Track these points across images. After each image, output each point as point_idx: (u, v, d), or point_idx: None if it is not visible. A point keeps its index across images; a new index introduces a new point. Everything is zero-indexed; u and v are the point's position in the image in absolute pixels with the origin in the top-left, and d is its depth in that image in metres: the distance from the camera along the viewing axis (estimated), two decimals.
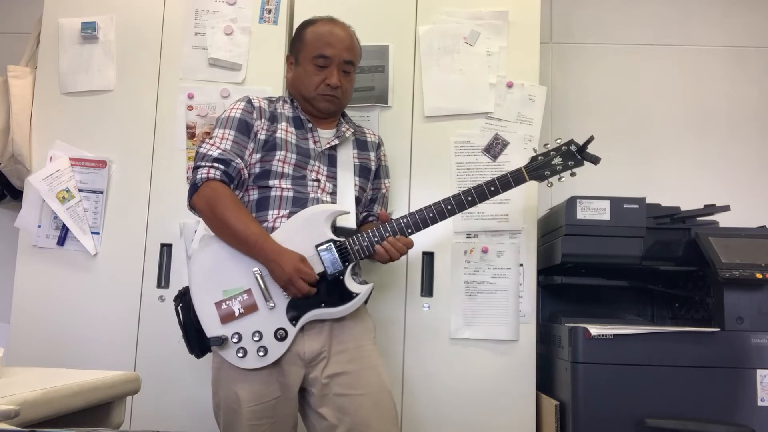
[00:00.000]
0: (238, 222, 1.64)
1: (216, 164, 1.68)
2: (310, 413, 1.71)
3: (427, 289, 2.21)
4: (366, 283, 1.73)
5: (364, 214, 1.89)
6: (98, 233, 2.25)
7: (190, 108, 2.27)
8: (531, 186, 2.22)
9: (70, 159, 2.27)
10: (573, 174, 1.79)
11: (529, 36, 2.29)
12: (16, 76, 2.33)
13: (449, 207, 1.72)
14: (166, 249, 2.23)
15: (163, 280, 2.23)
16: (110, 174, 2.28)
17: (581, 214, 2.18)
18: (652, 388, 1.99)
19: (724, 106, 2.88)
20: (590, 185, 2.76)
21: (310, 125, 1.81)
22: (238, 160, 1.71)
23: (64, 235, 2.25)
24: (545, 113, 2.29)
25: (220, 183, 1.68)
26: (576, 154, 1.77)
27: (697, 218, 2.28)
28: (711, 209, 2.29)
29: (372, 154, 1.91)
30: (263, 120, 1.77)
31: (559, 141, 1.79)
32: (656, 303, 2.53)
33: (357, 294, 1.66)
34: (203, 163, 1.69)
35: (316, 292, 1.64)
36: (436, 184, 2.22)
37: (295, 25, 1.96)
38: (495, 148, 2.23)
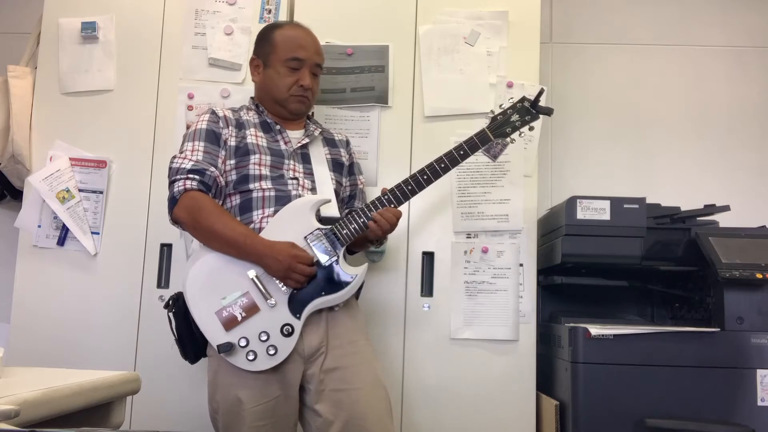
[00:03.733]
0: (224, 226, 1.65)
1: (191, 175, 1.69)
2: (306, 411, 1.72)
3: (427, 289, 2.21)
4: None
5: (346, 210, 1.90)
6: (98, 233, 2.25)
7: (190, 108, 2.27)
8: (531, 186, 2.23)
9: (70, 159, 2.27)
10: (531, 128, 1.88)
11: (529, 36, 2.29)
12: (16, 76, 2.32)
13: (425, 177, 1.78)
14: (166, 249, 2.24)
15: (163, 280, 2.23)
16: (110, 174, 2.28)
17: (581, 214, 2.18)
18: (652, 388, 2.00)
19: (724, 106, 2.88)
20: (590, 185, 2.78)
21: (278, 127, 1.84)
22: (212, 169, 1.72)
23: (64, 235, 2.24)
24: None
25: (198, 192, 1.69)
26: (530, 109, 1.85)
27: (697, 218, 2.28)
28: (711, 209, 2.29)
29: (343, 151, 1.94)
30: (230, 128, 1.80)
31: (512, 99, 1.88)
32: (656, 303, 2.53)
33: (355, 275, 1.69)
34: (178, 177, 1.70)
35: (313, 282, 1.66)
36: (436, 184, 2.20)
37: None
38: (495, 148, 2.23)
